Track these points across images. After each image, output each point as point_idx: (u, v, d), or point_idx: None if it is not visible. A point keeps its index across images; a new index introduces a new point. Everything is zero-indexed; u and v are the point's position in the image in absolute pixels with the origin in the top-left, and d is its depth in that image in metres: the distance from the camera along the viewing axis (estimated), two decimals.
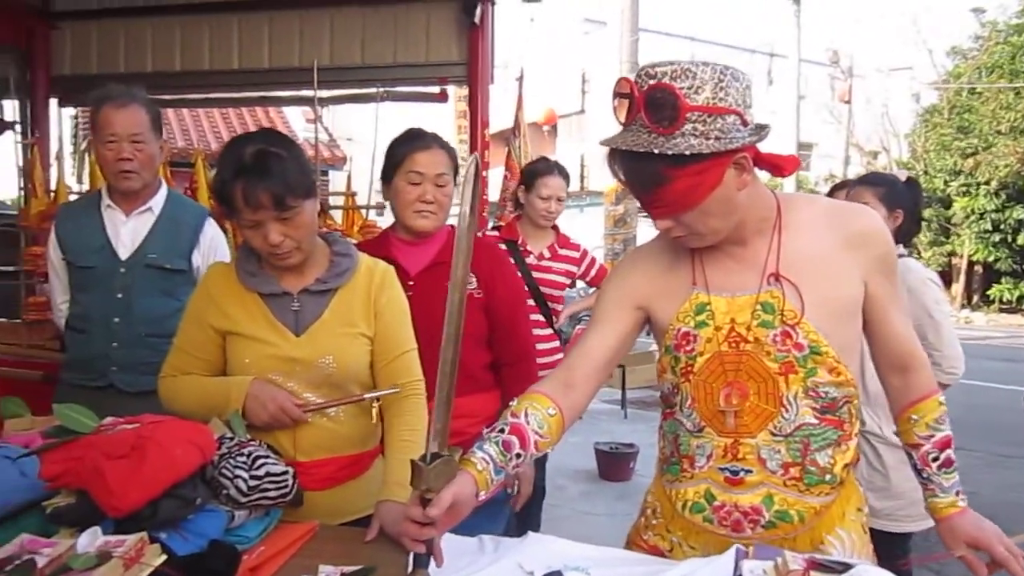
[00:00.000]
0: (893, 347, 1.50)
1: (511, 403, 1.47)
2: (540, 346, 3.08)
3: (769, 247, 1.43)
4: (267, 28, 5.80)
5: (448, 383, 1.26)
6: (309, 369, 1.75)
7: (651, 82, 1.29)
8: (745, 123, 1.31)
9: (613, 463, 5.58)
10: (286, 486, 1.54)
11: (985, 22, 22.90)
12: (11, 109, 6.58)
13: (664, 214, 1.38)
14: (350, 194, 4.93)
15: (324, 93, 5.63)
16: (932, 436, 1.47)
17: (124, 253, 2.57)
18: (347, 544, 1.60)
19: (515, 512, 2.44)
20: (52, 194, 4.94)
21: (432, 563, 1.29)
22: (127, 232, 2.58)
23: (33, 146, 5.37)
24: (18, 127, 6.41)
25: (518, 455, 1.38)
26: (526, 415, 1.42)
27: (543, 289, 3.49)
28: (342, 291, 1.81)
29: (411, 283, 2.15)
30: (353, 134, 14.26)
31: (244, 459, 1.49)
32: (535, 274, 3.49)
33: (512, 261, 3.18)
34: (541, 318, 3.44)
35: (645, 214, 1.44)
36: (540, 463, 3.39)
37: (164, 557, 1.21)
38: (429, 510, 1.23)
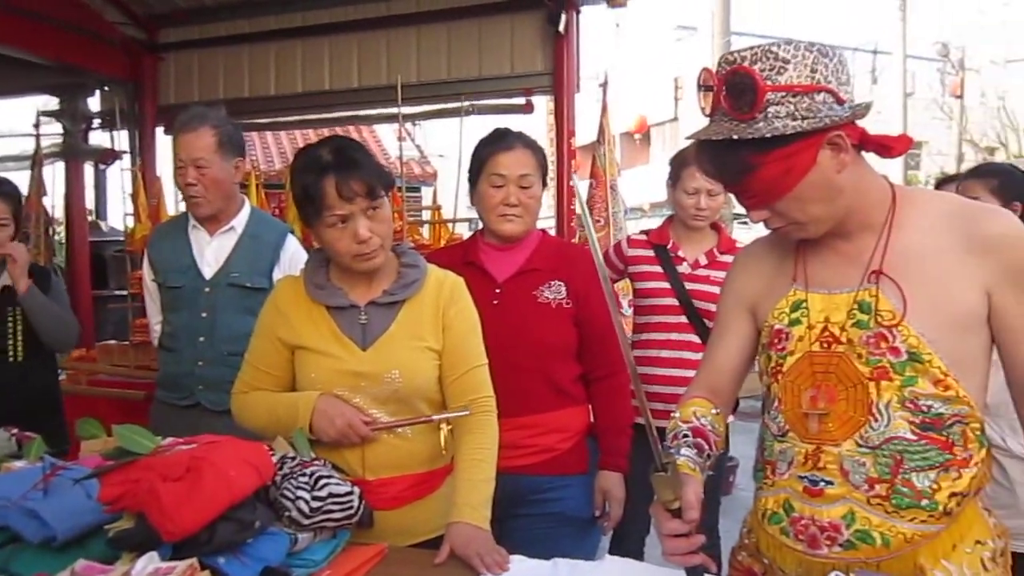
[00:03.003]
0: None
1: (674, 414, 1.46)
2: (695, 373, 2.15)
3: (876, 242, 1.30)
4: (356, 48, 5.92)
5: (644, 402, 1.26)
6: (375, 384, 1.70)
7: (729, 68, 1.24)
8: (840, 101, 1.22)
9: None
10: (351, 507, 1.49)
11: None
12: (120, 139, 6.94)
13: (758, 204, 1.31)
14: (435, 208, 4.93)
15: (409, 109, 5.67)
16: None
17: (208, 272, 2.58)
18: (417, 567, 1.55)
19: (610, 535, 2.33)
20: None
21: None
22: (211, 252, 2.60)
23: (138, 173, 5.59)
24: (127, 156, 6.74)
25: (708, 456, 1.37)
26: (697, 418, 1.41)
27: (696, 303, 2.74)
28: (410, 303, 1.76)
29: (498, 290, 2.08)
30: (445, 150, 14.39)
31: (306, 479, 1.45)
32: (688, 285, 2.77)
33: (660, 269, 2.80)
34: (695, 339, 2.72)
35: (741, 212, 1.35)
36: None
37: None
38: (687, 515, 1.21)
